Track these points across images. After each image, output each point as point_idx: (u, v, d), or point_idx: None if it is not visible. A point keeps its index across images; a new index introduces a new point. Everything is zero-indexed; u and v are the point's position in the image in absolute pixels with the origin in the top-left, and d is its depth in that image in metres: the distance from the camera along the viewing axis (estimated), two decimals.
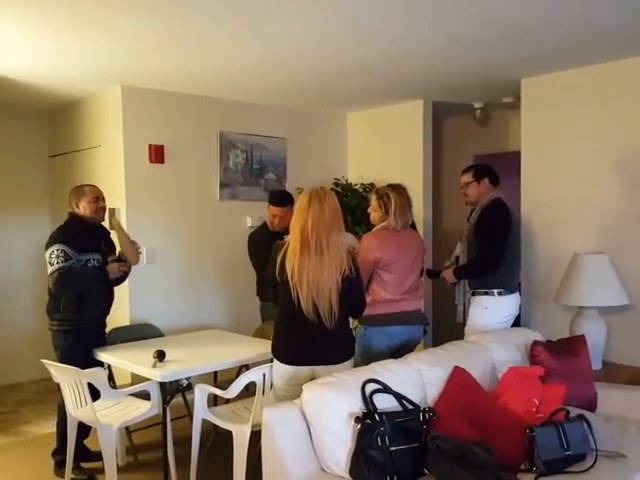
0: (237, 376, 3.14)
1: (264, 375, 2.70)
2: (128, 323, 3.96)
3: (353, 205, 4.78)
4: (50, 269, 3.01)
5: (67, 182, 4.11)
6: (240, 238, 4.63)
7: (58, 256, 2.98)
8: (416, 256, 3.11)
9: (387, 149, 4.95)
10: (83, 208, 3.14)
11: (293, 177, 4.86)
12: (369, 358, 2.73)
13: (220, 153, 4.48)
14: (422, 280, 3.22)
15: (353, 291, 2.50)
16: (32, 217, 4.92)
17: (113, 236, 3.37)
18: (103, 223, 3.29)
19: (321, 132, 5.15)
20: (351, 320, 2.73)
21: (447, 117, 5.46)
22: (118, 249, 3.34)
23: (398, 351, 2.93)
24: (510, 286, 3.36)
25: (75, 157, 4.61)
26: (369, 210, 3.16)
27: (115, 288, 3.34)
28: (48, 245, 3.05)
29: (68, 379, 2.90)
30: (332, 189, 4.78)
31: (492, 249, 3.24)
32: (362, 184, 5.01)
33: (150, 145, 4.15)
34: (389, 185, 3.11)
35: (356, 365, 2.64)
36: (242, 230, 4.64)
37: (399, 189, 3.07)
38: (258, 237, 3.71)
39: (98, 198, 3.18)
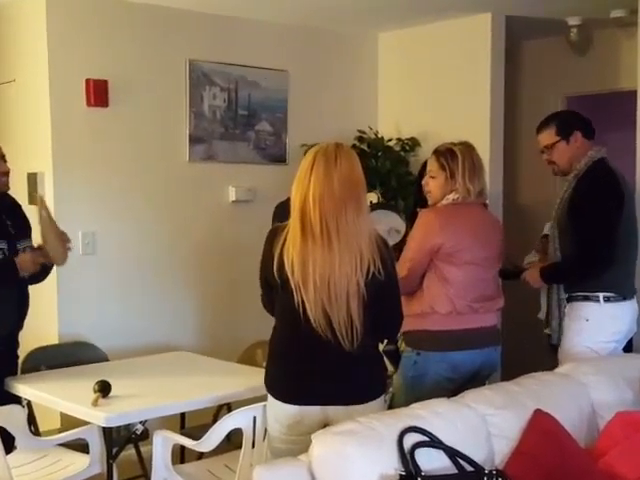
0: (215, 420, 3.17)
1: (254, 419, 2.71)
2: (57, 341, 3.99)
3: (386, 171, 4.77)
4: None
5: None
6: (219, 218, 4.64)
7: None
8: (495, 250, 3.10)
9: (437, 88, 4.93)
10: None
11: (297, 128, 4.86)
12: (421, 397, 2.67)
13: (190, 92, 4.48)
14: (500, 286, 3.20)
15: (383, 300, 2.48)
16: None
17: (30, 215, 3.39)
18: (10, 193, 3.30)
19: (339, 62, 5.12)
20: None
21: (528, 40, 5.43)
22: (38, 240, 3.33)
23: (465, 385, 2.90)
24: (623, 288, 3.30)
25: None
26: (424, 181, 3.17)
27: (32, 290, 3.35)
28: None
29: None
30: (355, 146, 4.78)
31: (596, 238, 3.19)
32: (399, 139, 5.00)
33: (88, 80, 4.14)
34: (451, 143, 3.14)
35: (398, 405, 2.64)
36: (222, 206, 4.65)
37: (467, 144, 3.10)
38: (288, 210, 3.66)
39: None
